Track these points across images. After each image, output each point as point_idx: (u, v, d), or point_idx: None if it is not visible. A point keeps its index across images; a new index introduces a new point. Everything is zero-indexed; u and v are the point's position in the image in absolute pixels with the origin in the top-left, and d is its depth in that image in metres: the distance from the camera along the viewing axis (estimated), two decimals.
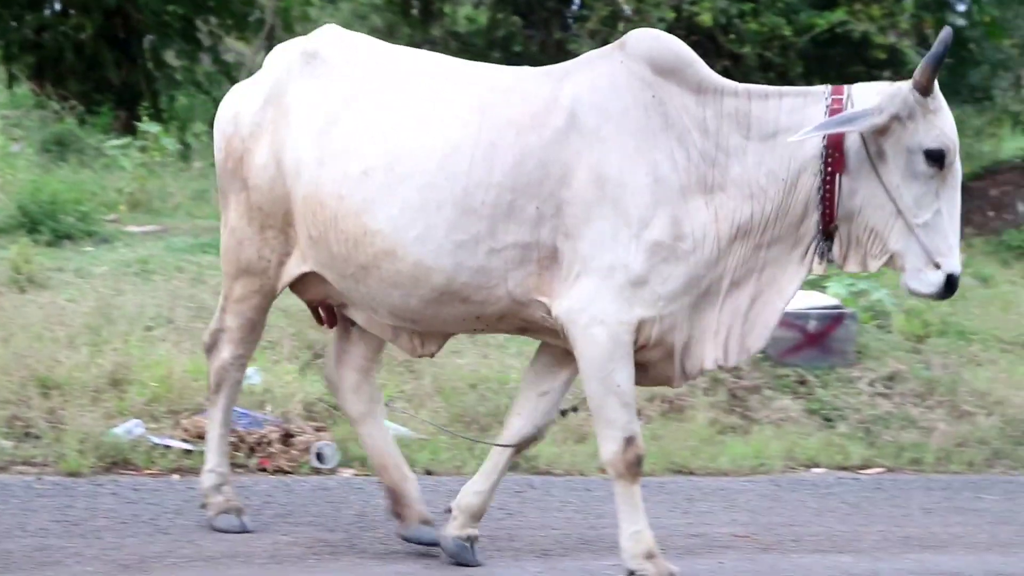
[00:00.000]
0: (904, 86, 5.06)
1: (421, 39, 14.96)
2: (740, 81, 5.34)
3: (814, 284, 8.81)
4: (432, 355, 5.55)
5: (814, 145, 5.07)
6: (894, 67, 14.04)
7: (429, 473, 7.04)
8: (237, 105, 5.58)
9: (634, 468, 5.18)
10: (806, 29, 13.68)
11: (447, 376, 7.92)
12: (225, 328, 5.73)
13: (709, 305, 5.19)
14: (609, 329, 5.09)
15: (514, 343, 8.97)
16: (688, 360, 5.25)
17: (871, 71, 14.02)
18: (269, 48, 15.11)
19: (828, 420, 8.33)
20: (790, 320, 8.28)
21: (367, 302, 5.39)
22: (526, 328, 5.39)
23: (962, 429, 8.25)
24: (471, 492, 5.54)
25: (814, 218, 5.12)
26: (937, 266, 5.04)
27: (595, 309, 5.08)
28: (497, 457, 5.55)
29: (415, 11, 15.06)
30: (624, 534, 5.25)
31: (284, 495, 6.53)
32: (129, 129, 12.89)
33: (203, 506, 5.87)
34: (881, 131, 5.02)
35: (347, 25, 15.59)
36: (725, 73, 5.81)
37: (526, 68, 5.45)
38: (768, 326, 5.22)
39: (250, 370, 7.71)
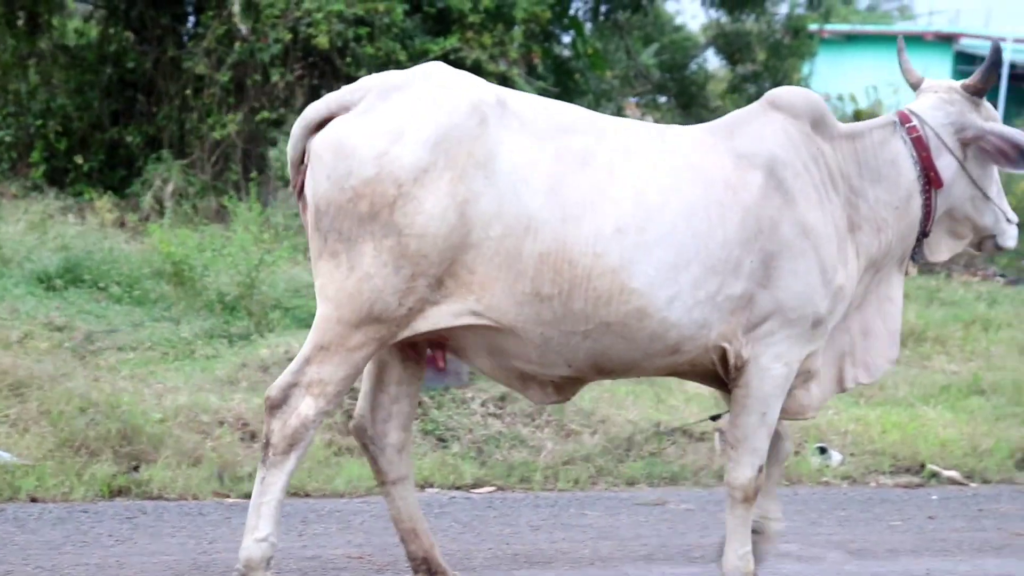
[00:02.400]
0: (959, 97, 5.69)
1: (27, 51, 14.45)
2: None
3: None
4: (566, 401, 5.55)
5: (910, 168, 5.63)
6: None
7: (34, 500, 6.81)
8: (382, 145, 5.09)
9: (758, 492, 5.56)
10: (421, 54, 13.91)
11: (55, 399, 7.66)
12: (317, 381, 5.20)
13: (838, 330, 5.62)
14: (788, 368, 5.44)
15: (127, 366, 8.77)
16: (818, 387, 5.64)
17: None
18: None
19: (442, 440, 8.47)
20: None
21: (566, 356, 5.30)
22: (687, 372, 5.55)
23: (568, 448, 8.52)
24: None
25: (916, 233, 5.69)
26: (1009, 220, 5.80)
27: (780, 349, 5.40)
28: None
29: (20, 22, 14.51)
30: (731, 551, 5.57)
31: None
32: None
33: None
34: (965, 139, 5.67)
35: None
36: None
37: (675, 126, 5.60)
38: (895, 332, 5.74)
39: None
